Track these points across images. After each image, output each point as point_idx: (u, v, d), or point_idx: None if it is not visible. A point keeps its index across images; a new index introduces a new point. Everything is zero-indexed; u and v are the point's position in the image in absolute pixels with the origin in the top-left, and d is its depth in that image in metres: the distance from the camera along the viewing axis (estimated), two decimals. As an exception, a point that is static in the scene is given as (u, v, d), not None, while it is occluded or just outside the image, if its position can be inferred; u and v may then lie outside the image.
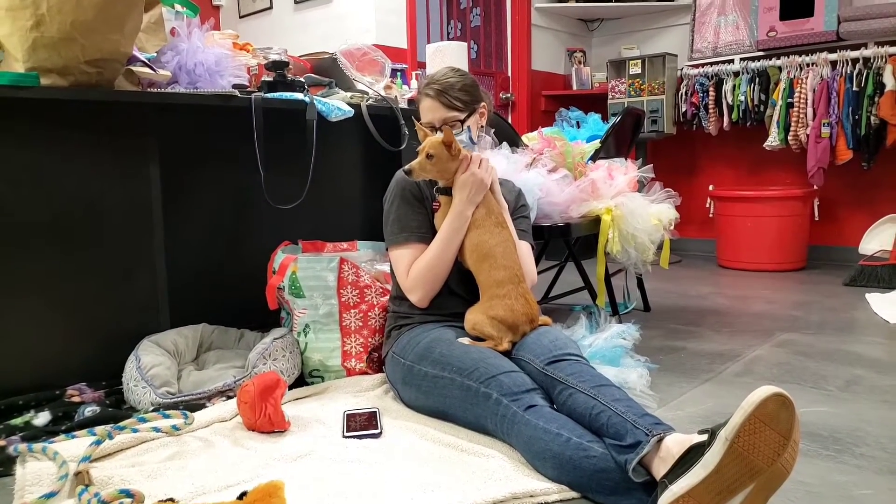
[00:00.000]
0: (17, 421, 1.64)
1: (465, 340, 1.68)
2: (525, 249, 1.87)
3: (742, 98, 4.33)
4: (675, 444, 1.18)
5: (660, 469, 1.18)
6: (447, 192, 1.78)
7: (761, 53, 4.33)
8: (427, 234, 1.82)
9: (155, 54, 2.09)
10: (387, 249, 1.87)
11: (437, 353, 1.63)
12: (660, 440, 1.20)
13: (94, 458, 1.40)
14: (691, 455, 1.13)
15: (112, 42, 1.79)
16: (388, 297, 2.00)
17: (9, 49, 1.73)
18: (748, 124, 4.37)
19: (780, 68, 4.21)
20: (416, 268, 1.78)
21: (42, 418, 1.65)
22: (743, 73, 4.34)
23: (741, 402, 1.09)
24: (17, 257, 1.81)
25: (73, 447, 1.45)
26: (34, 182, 1.83)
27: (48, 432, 1.59)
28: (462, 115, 1.90)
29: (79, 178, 1.91)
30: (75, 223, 1.90)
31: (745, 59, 4.37)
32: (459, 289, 1.81)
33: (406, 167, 1.74)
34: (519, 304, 1.69)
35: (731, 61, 4.45)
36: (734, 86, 4.37)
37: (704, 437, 1.14)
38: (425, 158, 1.72)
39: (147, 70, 1.99)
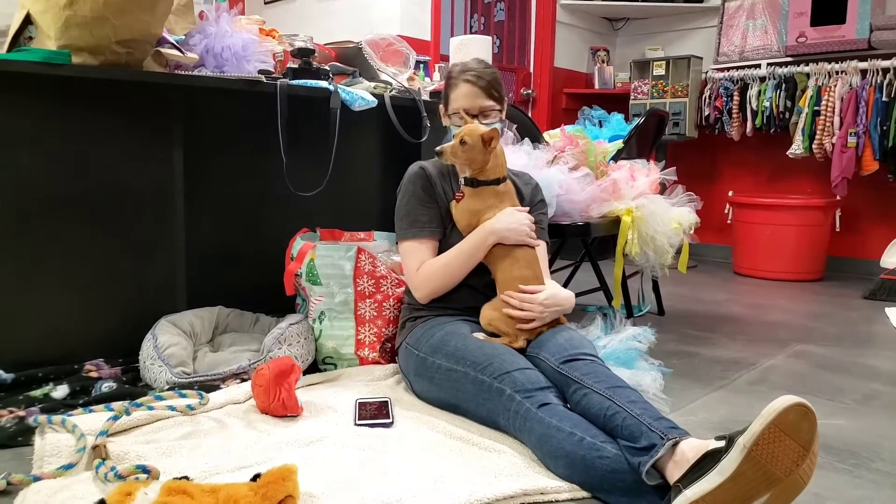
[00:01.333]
0: (37, 393, 1.66)
1: (480, 336, 1.68)
2: (540, 248, 1.86)
3: (767, 104, 4.28)
4: (690, 449, 1.18)
5: (674, 473, 1.17)
6: (473, 183, 1.78)
7: (789, 59, 4.28)
8: (437, 229, 1.82)
9: (183, 37, 2.10)
10: (397, 242, 1.88)
11: (452, 346, 1.63)
12: (675, 444, 1.20)
13: (111, 432, 1.42)
14: (707, 461, 1.13)
15: (143, 23, 1.80)
16: (403, 288, 2.00)
17: (42, 26, 1.75)
18: (772, 131, 4.33)
19: (808, 75, 4.16)
20: (428, 270, 1.79)
21: (60, 391, 1.68)
22: (769, 79, 4.29)
23: (761, 410, 1.08)
24: (41, 232, 1.83)
25: (90, 421, 1.47)
26: (61, 159, 1.85)
27: (66, 405, 1.61)
28: (497, 106, 1.89)
29: (104, 158, 1.92)
30: (99, 201, 1.92)
31: (773, 65, 4.32)
32: (474, 282, 1.80)
33: (438, 148, 1.75)
34: None
35: (758, 66, 4.40)
36: (760, 91, 4.33)
37: (721, 443, 1.13)
38: (458, 143, 1.72)
39: (175, 52, 2.00)
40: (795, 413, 1.07)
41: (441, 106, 1.95)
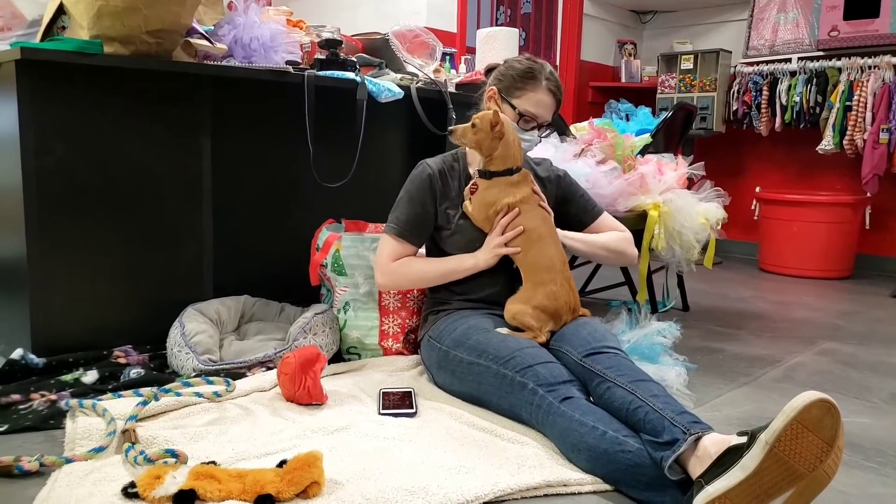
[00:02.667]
0: (68, 377, 1.70)
1: (504, 331, 1.68)
2: (606, 218, 1.95)
3: (797, 99, 4.21)
4: (713, 444, 1.17)
5: (696, 468, 1.17)
6: (486, 174, 1.75)
7: (821, 53, 4.21)
8: (411, 236, 1.81)
9: (212, 27, 2.12)
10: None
11: (474, 340, 1.63)
12: (697, 439, 1.19)
13: (139, 417, 1.45)
14: (729, 456, 1.12)
15: (173, 13, 1.82)
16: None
17: (75, 16, 1.78)
18: (801, 126, 4.26)
19: (839, 70, 4.08)
20: (403, 268, 1.80)
21: (90, 376, 1.71)
22: (800, 73, 4.22)
23: (783, 407, 1.07)
24: (72, 220, 1.86)
25: (120, 406, 1.50)
26: (92, 147, 1.88)
27: (96, 390, 1.64)
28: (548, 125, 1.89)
29: (134, 147, 1.95)
30: (128, 190, 1.95)
31: (804, 59, 4.25)
32: (497, 275, 1.79)
33: (451, 127, 1.76)
34: (563, 291, 1.68)
35: (789, 60, 4.34)
36: (790, 86, 4.26)
37: (744, 439, 1.13)
38: (470, 126, 1.72)
39: (204, 42, 2.02)
40: (818, 409, 1.06)
41: (494, 88, 1.85)
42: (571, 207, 1.93)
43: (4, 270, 1.96)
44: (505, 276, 1.79)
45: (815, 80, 4.16)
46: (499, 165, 1.74)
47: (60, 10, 1.83)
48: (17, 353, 1.74)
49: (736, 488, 1.08)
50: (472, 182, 1.80)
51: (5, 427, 1.45)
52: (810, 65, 4.19)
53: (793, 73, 4.27)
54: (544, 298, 1.67)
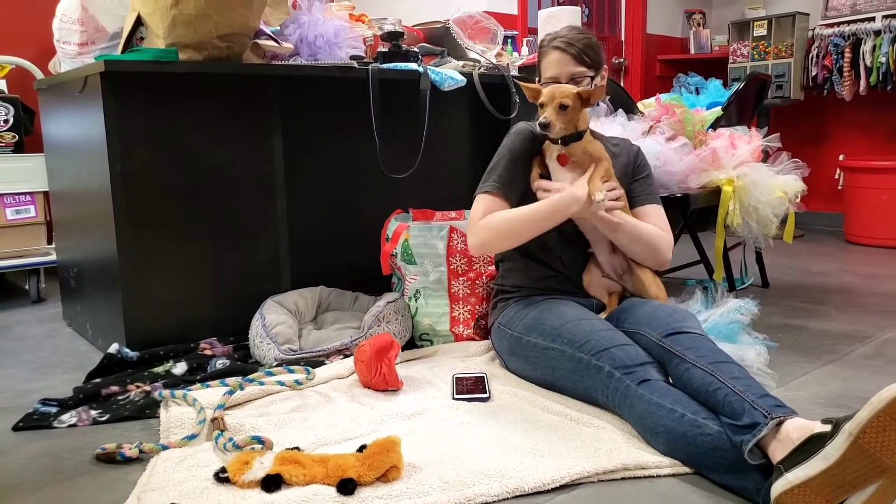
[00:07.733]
0: (159, 369, 1.80)
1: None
2: (655, 210, 1.82)
3: (883, 59, 3.97)
4: (795, 430, 1.13)
5: (777, 453, 1.13)
6: (575, 137, 1.69)
7: (908, 9, 3.95)
8: (513, 193, 1.74)
9: (279, 27, 2.18)
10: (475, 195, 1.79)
11: (549, 324, 1.63)
12: (779, 423, 1.15)
13: (227, 406, 1.52)
14: (811, 444, 1.08)
15: (241, 17, 1.89)
16: (494, 266, 2.01)
17: (151, 27, 1.87)
18: (888, 88, 4.01)
19: (929, 26, 3.83)
20: (490, 221, 1.71)
21: (180, 368, 1.81)
22: (885, 32, 3.97)
23: (877, 386, 1.02)
24: (157, 220, 1.96)
25: (208, 395, 1.58)
26: (171, 151, 1.97)
27: (185, 381, 1.74)
28: (590, 73, 1.79)
29: (210, 148, 2.03)
30: (206, 190, 2.04)
31: (889, 17, 4.00)
32: (559, 265, 1.79)
33: (542, 121, 1.64)
34: None
35: (872, 19, 4.08)
36: (874, 46, 4.02)
37: (828, 427, 1.08)
38: (559, 109, 1.63)
39: (272, 43, 2.08)
40: None
41: (536, 80, 1.87)
42: (631, 183, 1.85)
43: (99, 270, 2.09)
44: (580, 257, 1.77)
45: (902, 39, 3.91)
46: (583, 124, 1.71)
47: (139, 22, 1.92)
48: (113, 348, 1.86)
49: (817, 478, 1.04)
50: (557, 155, 1.73)
51: (107, 416, 1.55)
52: (896, 22, 3.94)
53: (877, 33, 4.02)
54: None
